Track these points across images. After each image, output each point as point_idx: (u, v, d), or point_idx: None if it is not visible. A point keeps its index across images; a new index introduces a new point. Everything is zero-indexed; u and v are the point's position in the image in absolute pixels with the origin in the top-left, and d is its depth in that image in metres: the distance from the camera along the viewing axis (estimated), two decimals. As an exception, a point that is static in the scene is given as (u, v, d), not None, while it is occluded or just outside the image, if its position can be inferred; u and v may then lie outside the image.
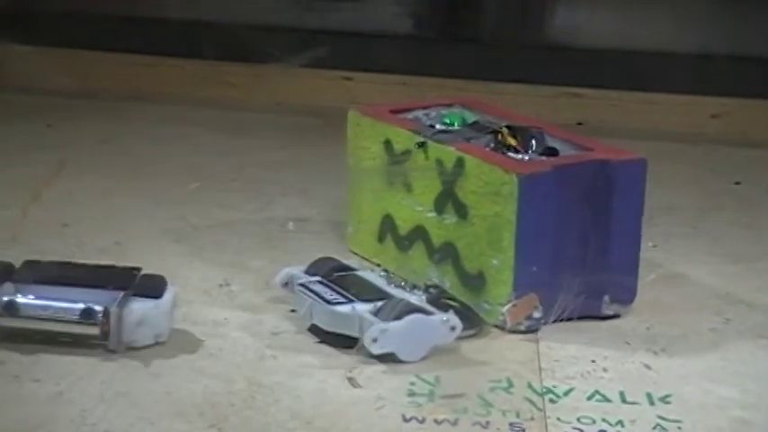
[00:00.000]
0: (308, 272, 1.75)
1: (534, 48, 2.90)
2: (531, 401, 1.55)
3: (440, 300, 1.69)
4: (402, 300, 1.66)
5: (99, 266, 1.71)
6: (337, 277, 1.73)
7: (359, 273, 1.75)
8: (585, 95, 2.85)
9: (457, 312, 1.67)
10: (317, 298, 1.68)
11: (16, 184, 2.23)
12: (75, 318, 1.59)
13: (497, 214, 1.72)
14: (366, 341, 1.60)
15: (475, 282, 1.76)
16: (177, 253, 1.96)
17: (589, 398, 1.57)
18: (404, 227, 1.89)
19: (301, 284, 1.71)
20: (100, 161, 2.40)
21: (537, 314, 1.72)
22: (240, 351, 1.64)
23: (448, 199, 1.80)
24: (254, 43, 2.83)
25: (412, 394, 1.56)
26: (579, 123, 2.83)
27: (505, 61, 2.88)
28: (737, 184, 2.48)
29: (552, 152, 1.81)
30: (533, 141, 1.82)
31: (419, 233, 1.86)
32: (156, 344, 1.62)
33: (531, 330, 1.72)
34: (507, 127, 1.84)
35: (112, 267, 1.70)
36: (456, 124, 1.90)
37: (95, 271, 1.68)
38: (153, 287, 1.63)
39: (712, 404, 1.57)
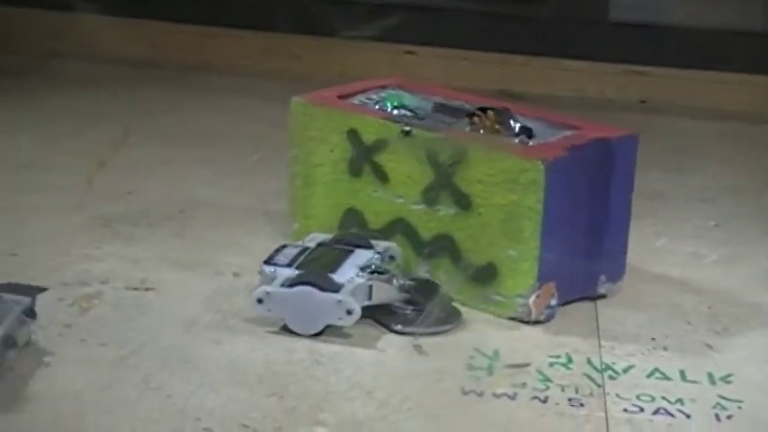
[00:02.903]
0: (330, 240, 1.73)
1: (598, 24, 2.88)
2: (590, 377, 1.55)
3: (408, 291, 1.65)
4: (311, 271, 1.62)
5: None
6: (328, 247, 1.70)
7: (355, 250, 1.69)
8: (650, 73, 2.83)
9: (431, 305, 1.64)
10: (273, 258, 1.67)
11: (82, 152, 2.25)
12: None
13: (514, 203, 1.66)
14: (252, 301, 1.60)
15: (482, 274, 1.70)
16: (240, 222, 1.98)
17: (649, 375, 1.57)
18: (377, 221, 1.79)
19: (284, 245, 1.70)
20: (164, 130, 2.42)
21: (553, 302, 1.69)
22: (301, 321, 1.65)
23: (443, 189, 1.72)
24: (320, 15, 2.83)
25: (471, 368, 1.56)
26: (642, 101, 2.81)
27: (569, 38, 2.86)
28: (802, 164, 2.46)
29: (529, 132, 1.76)
30: (512, 122, 1.76)
31: (399, 226, 1.76)
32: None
33: (548, 319, 1.68)
34: (483, 109, 1.77)
35: None
36: (390, 105, 1.83)
37: None
38: None
39: (773, 385, 1.56)
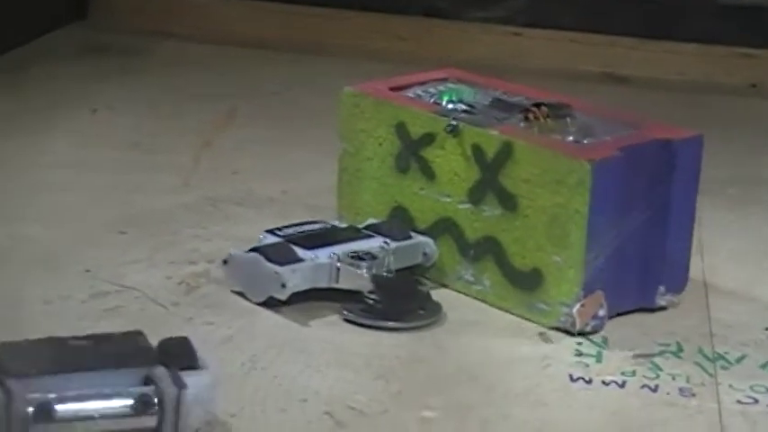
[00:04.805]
0: (364, 225, 1.72)
1: (707, 6, 2.82)
2: (701, 367, 1.52)
3: (379, 282, 1.59)
4: (276, 243, 1.63)
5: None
6: (351, 230, 1.69)
7: (374, 236, 1.66)
8: (760, 56, 2.77)
9: (409, 299, 1.60)
10: (284, 228, 1.70)
11: (188, 131, 2.27)
12: None
13: (560, 206, 1.56)
14: (222, 261, 1.64)
15: (527, 280, 1.60)
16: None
17: (763, 366, 1.53)
18: (423, 219, 1.71)
19: (316, 221, 1.73)
20: (270, 111, 2.43)
21: (602, 312, 1.59)
22: (407, 304, 1.65)
23: (488, 188, 1.63)
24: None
25: (579, 354, 1.54)
26: (753, 85, 2.76)
27: (677, 20, 2.81)
28: None
29: (587, 130, 1.66)
30: (568, 119, 1.66)
31: (446, 226, 1.68)
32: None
33: (596, 330, 1.59)
34: (537, 105, 1.68)
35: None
36: (446, 99, 1.73)
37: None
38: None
39: None
